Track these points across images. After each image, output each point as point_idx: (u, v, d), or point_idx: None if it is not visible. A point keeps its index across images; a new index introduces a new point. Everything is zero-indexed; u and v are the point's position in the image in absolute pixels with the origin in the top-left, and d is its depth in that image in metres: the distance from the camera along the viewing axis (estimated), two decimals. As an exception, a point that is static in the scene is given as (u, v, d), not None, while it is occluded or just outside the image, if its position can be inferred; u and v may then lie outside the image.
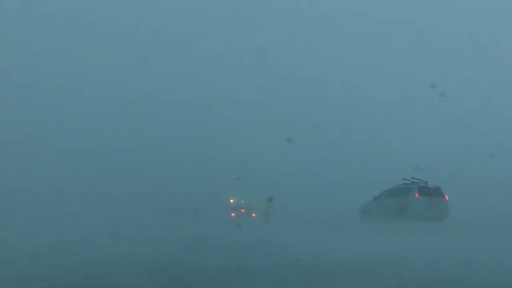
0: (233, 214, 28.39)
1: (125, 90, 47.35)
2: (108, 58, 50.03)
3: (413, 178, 17.75)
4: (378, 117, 44.42)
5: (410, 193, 17.05)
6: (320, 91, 47.87)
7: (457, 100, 40.55)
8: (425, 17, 55.31)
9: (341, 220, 20.20)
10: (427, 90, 40.24)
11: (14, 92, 42.24)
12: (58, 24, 50.94)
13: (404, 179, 17.96)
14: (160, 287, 5.08)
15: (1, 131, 35.02)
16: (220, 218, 28.47)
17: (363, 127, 43.46)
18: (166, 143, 41.25)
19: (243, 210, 28.91)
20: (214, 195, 30.15)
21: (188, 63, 52.69)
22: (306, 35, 58.40)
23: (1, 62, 43.17)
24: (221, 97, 45.14)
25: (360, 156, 37.38)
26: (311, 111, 46.11)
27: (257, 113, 45.74)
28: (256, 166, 33.06)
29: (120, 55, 50.60)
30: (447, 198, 17.05)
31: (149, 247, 9.76)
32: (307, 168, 35.80)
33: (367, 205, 19.46)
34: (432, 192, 16.98)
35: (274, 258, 7.27)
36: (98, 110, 44.22)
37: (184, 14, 57.29)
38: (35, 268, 6.45)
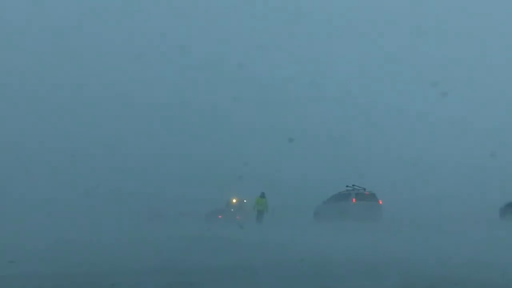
0: (220, 216, 28.21)
1: (126, 90, 47.35)
2: (108, 58, 50.09)
3: (353, 185, 20.61)
4: (380, 116, 44.38)
5: (349, 198, 20.03)
6: (319, 91, 47.88)
7: (459, 100, 40.52)
8: (428, 14, 55.25)
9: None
10: (428, 89, 40.27)
11: (13, 92, 42.33)
12: (59, 24, 50.99)
13: (347, 186, 20.75)
14: (163, 287, 5.09)
15: (4, 132, 35.14)
16: (223, 218, 28.36)
17: (364, 127, 43.43)
18: (167, 143, 41.30)
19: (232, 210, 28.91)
20: (218, 196, 30.11)
21: (190, 63, 52.67)
22: (304, 34, 58.36)
23: (1, 62, 43.28)
24: (223, 97, 45.09)
25: (360, 155, 37.36)
26: (312, 111, 46.08)
27: (258, 113, 45.77)
28: (259, 165, 33.07)
29: (120, 55, 50.61)
30: (381, 203, 19.85)
31: (152, 247, 9.79)
32: (308, 167, 35.78)
33: (318, 208, 21.80)
34: (367, 198, 19.85)
35: (277, 258, 7.29)
36: (99, 110, 44.31)
37: (185, 13, 57.34)
38: (38, 268, 6.47)
